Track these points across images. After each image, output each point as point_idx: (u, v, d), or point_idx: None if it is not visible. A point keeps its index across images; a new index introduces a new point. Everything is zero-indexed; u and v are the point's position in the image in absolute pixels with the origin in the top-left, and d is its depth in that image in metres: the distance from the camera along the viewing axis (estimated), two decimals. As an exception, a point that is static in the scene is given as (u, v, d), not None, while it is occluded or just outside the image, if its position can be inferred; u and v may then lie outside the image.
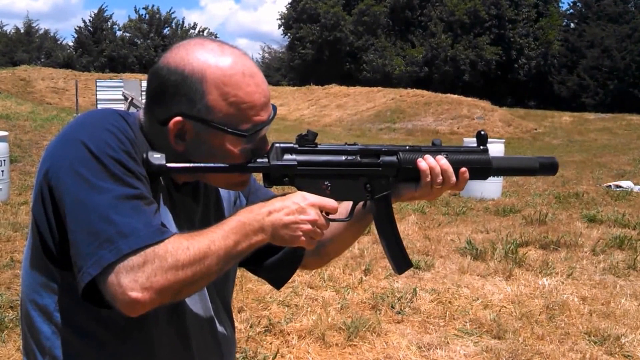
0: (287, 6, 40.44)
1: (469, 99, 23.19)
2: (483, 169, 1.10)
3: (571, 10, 38.82)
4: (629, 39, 32.00)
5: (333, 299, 3.67)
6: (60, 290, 0.92)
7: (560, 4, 45.74)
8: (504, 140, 8.55)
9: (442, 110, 21.67)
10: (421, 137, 18.26)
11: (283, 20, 40.69)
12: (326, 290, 3.84)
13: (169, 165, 0.90)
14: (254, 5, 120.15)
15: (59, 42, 43.36)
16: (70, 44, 43.19)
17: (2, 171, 6.52)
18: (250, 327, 3.16)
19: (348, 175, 1.01)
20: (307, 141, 0.98)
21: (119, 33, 43.13)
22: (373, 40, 36.33)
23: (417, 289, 3.82)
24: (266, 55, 49.03)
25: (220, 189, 1.10)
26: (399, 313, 3.50)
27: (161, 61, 0.94)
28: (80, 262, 0.82)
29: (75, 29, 42.84)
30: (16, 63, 33.85)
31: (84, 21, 48.38)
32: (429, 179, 1.04)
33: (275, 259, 1.15)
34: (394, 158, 1.04)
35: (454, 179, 1.05)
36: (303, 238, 0.92)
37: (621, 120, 22.40)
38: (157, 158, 0.89)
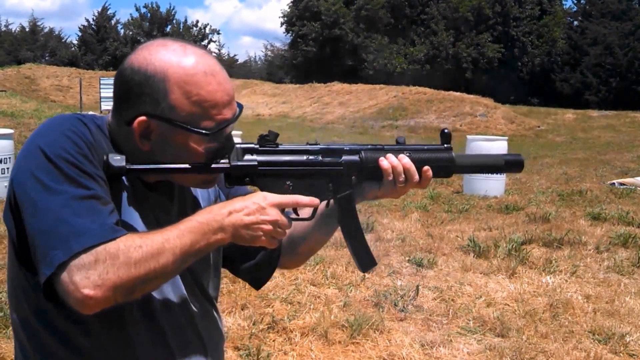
0: (290, 4, 40.40)
1: (472, 96, 23.11)
2: (446, 166, 1.10)
3: (575, 8, 38.66)
4: (632, 36, 31.83)
5: (336, 297, 3.66)
6: (35, 295, 0.94)
7: (564, 2, 45.52)
8: (507, 138, 8.51)
9: (445, 107, 21.62)
10: (424, 134, 18.23)
11: (286, 19, 40.64)
12: (329, 287, 3.84)
13: (129, 166, 0.92)
14: (258, 3, 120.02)
15: (63, 40, 43.46)
16: (75, 42, 43.34)
17: (7, 168, 6.55)
18: (253, 324, 3.16)
19: (310, 174, 1.03)
20: (267, 141, 1.00)
21: (122, 32, 43.24)
22: (373, 38, 36.22)
23: (420, 287, 3.82)
24: (269, 53, 49.04)
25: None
26: (402, 311, 3.50)
27: (126, 62, 0.95)
28: (39, 263, 0.85)
29: (79, 28, 42.99)
30: (21, 61, 33.93)
31: (88, 20, 48.40)
32: (391, 177, 1.05)
33: (254, 261, 1.17)
34: (356, 157, 1.05)
35: (416, 177, 1.06)
36: (264, 238, 0.94)
37: (625, 117, 22.31)
38: (117, 160, 0.91)
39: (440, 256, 4.66)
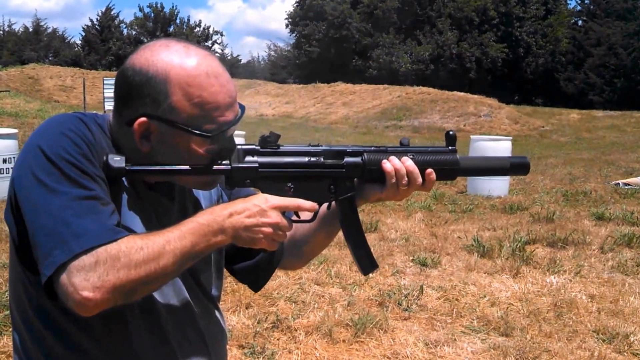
0: (295, 5, 40.46)
1: (476, 96, 23.08)
2: (450, 169, 1.08)
3: (579, 8, 38.53)
4: (636, 36, 31.68)
5: (340, 296, 3.67)
6: (36, 294, 0.94)
7: (569, 2, 45.33)
8: (511, 138, 8.49)
9: (449, 107, 21.59)
10: (427, 134, 18.22)
11: (290, 19, 40.68)
12: (333, 287, 3.85)
13: (128, 167, 0.91)
14: (262, 3, 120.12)
15: (66, 40, 43.58)
16: (78, 42, 43.48)
17: (11, 168, 6.58)
18: (258, 323, 3.17)
19: (311, 176, 1.01)
20: (269, 143, 0.98)
21: (125, 32, 43.38)
22: (380, 38, 36.19)
23: (424, 286, 3.82)
24: (272, 53, 49.06)
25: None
26: (406, 310, 3.50)
27: (127, 62, 0.94)
28: (39, 264, 0.84)
29: (83, 28, 43.10)
30: (24, 61, 34.05)
31: (92, 20, 48.56)
32: (394, 180, 1.03)
33: (251, 263, 1.15)
34: (358, 159, 1.03)
35: (420, 180, 1.04)
36: (264, 240, 0.93)
37: (630, 117, 22.23)
38: (116, 161, 0.90)
39: (444, 256, 4.67)
